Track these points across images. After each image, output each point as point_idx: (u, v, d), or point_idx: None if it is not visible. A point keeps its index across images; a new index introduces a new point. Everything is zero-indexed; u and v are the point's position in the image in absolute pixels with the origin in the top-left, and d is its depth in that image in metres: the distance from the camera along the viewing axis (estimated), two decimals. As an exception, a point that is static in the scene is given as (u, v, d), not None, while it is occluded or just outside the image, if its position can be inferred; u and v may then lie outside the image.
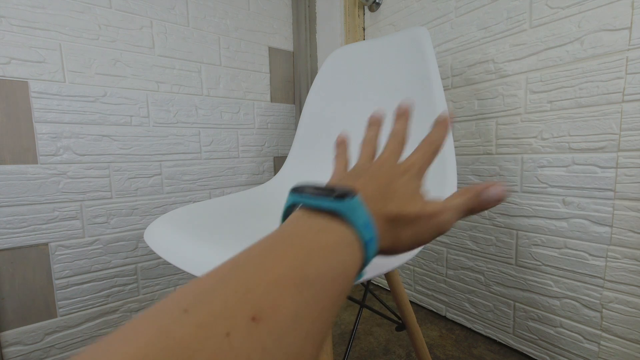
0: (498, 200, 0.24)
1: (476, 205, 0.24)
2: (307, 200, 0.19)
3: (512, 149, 0.73)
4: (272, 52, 1.07)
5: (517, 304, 0.76)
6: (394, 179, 0.23)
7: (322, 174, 0.68)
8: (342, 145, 0.32)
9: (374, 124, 0.32)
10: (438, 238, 0.92)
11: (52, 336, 0.74)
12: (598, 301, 0.63)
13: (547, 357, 0.72)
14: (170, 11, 0.85)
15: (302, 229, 0.17)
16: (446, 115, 0.28)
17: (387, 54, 0.64)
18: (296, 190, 0.20)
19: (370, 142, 0.30)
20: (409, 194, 0.23)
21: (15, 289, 0.70)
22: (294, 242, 0.16)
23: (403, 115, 0.30)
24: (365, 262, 0.19)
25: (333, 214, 0.18)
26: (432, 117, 0.52)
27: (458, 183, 0.85)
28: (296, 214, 0.19)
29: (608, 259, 0.61)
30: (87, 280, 0.78)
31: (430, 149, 0.27)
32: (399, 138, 0.28)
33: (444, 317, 0.93)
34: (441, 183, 0.47)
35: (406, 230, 0.22)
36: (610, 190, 0.60)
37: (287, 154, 1.08)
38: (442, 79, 0.85)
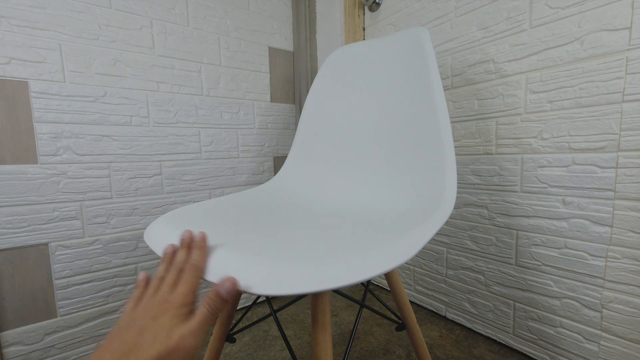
0: (234, 291, 0.28)
1: (221, 305, 0.29)
2: None
3: (512, 149, 0.73)
4: (272, 52, 1.07)
5: (517, 304, 0.76)
6: (149, 325, 0.27)
7: (322, 174, 0.68)
8: (142, 280, 0.34)
9: (164, 260, 0.35)
10: (438, 238, 0.92)
11: (52, 336, 0.74)
12: (598, 301, 0.63)
13: (547, 357, 0.72)
14: (170, 11, 0.85)
15: None
16: (203, 235, 0.35)
17: (387, 54, 0.64)
18: None
19: (158, 275, 0.33)
20: (153, 337, 0.26)
21: (15, 289, 0.70)
22: None
23: (185, 244, 0.35)
24: None
25: None
26: (432, 118, 0.52)
27: (458, 183, 0.85)
28: None
29: (608, 259, 0.61)
30: (87, 280, 0.78)
31: (194, 271, 0.31)
32: (177, 267, 0.32)
33: (444, 317, 0.93)
34: (441, 183, 0.47)
35: None
36: (610, 190, 0.60)
37: (287, 154, 1.08)
38: (442, 79, 0.85)
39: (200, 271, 0.32)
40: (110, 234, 0.80)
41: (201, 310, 0.29)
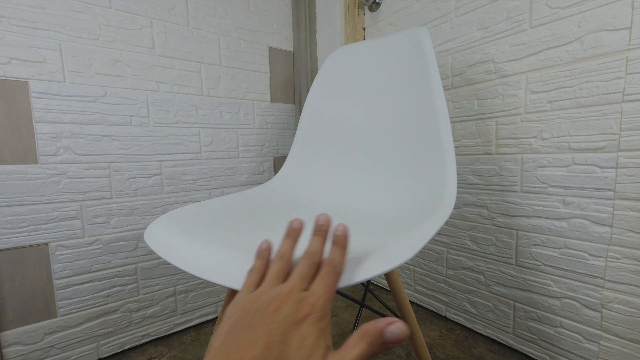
0: (403, 340, 0.21)
1: (380, 349, 0.21)
2: None
3: (512, 149, 0.73)
4: (272, 52, 1.07)
5: (517, 304, 0.76)
6: (291, 331, 0.20)
7: (322, 174, 0.68)
8: (262, 255, 0.28)
9: (290, 235, 0.28)
10: (438, 238, 0.92)
11: (52, 336, 0.74)
12: (598, 301, 0.63)
13: (547, 357, 0.72)
14: (170, 11, 0.85)
15: None
16: (345, 229, 0.27)
17: (387, 54, 0.64)
18: None
19: (282, 258, 0.27)
20: (305, 356, 0.20)
21: (15, 289, 0.70)
22: None
23: (322, 232, 0.27)
24: None
25: None
26: (432, 118, 0.52)
27: (458, 183, 0.85)
28: None
29: (608, 259, 0.61)
30: (87, 280, 0.78)
31: (334, 276, 0.25)
32: (313, 260, 0.26)
33: (444, 317, 0.93)
34: (441, 183, 0.47)
35: None
36: (610, 190, 0.60)
37: (287, 154, 1.08)
38: (442, 79, 0.85)
39: (338, 276, 0.25)
40: (110, 234, 0.80)
41: (359, 345, 0.21)
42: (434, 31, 0.86)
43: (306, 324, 0.21)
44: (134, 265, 0.84)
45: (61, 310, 0.75)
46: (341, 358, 0.20)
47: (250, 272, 0.27)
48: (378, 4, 1.00)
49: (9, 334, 0.70)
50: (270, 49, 1.06)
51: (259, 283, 0.26)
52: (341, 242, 0.27)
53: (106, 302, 0.81)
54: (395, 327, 0.21)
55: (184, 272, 0.81)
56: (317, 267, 0.26)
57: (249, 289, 0.25)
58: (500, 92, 0.74)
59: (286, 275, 0.26)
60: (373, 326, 0.21)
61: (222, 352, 0.20)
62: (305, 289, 0.23)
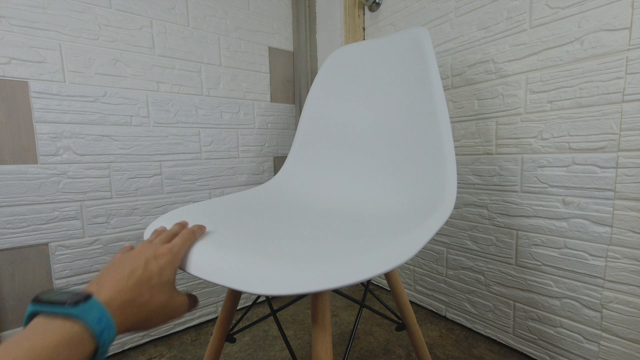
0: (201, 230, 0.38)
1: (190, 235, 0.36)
2: (43, 308, 0.22)
3: (512, 149, 0.73)
4: (272, 52, 1.07)
5: (517, 304, 0.76)
6: (151, 261, 0.30)
7: (322, 174, 0.68)
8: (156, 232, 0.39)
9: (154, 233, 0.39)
10: (438, 238, 0.92)
11: (52, 336, 0.74)
12: (598, 301, 0.63)
13: (547, 357, 0.72)
14: (170, 11, 0.85)
15: (29, 332, 0.20)
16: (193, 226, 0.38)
17: (387, 54, 0.64)
18: (36, 300, 0.23)
19: (155, 232, 0.38)
20: (162, 282, 0.30)
21: (15, 289, 0.70)
22: (19, 341, 0.19)
23: (180, 223, 0.40)
24: (100, 347, 0.23)
25: (69, 316, 0.22)
26: (432, 118, 0.52)
27: (458, 183, 0.85)
28: (34, 320, 0.22)
29: (608, 259, 0.61)
30: (87, 280, 0.78)
31: (189, 234, 0.35)
32: (172, 232, 0.36)
33: (444, 317, 0.94)
34: (441, 183, 0.47)
35: (153, 313, 0.28)
36: (610, 190, 0.60)
37: (287, 154, 1.08)
38: (442, 79, 0.85)
39: (191, 241, 0.35)
40: (110, 234, 0.80)
41: (176, 239, 0.34)
42: (434, 31, 0.86)
43: (163, 258, 0.31)
44: (134, 265, 0.84)
45: (61, 310, 0.75)
46: (183, 299, 0.33)
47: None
48: (378, 4, 1.00)
49: (9, 334, 0.70)
50: (270, 49, 1.06)
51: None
52: (193, 227, 0.38)
53: (106, 302, 0.81)
54: (195, 226, 0.37)
55: (184, 272, 0.81)
56: (174, 237, 0.36)
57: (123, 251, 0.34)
58: (500, 92, 0.74)
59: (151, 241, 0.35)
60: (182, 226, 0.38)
61: (100, 276, 0.28)
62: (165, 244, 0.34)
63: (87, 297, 0.23)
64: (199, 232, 0.37)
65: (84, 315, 0.22)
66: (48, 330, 0.21)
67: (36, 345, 0.19)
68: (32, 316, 0.23)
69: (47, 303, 0.22)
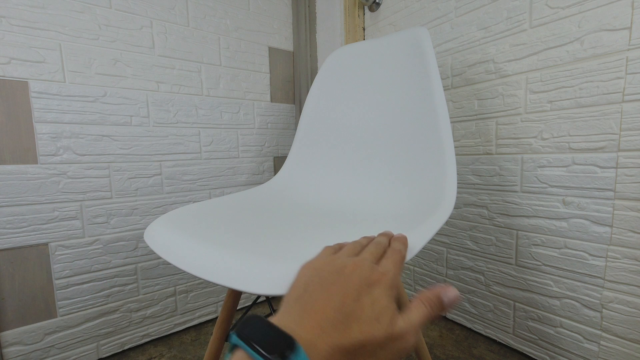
0: (457, 301, 0.25)
1: (439, 311, 0.24)
2: (249, 350, 0.18)
3: (512, 149, 0.73)
4: (272, 52, 1.07)
5: (517, 304, 0.76)
6: (364, 292, 0.22)
7: (322, 174, 0.68)
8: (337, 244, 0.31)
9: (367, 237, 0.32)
10: (438, 238, 0.92)
11: (52, 336, 0.74)
12: (598, 301, 0.63)
13: (547, 357, 0.72)
14: (170, 11, 0.85)
15: None
16: (404, 236, 0.31)
17: (387, 54, 0.64)
18: (241, 333, 0.19)
19: (355, 242, 0.30)
20: (376, 314, 0.21)
21: (15, 289, 0.70)
22: None
23: (386, 234, 0.32)
24: None
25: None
26: (432, 118, 0.52)
27: (458, 183, 0.85)
28: (238, 354, 0.18)
29: (608, 259, 0.61)
30: (87, 280, 0.78)
31: (400, 256, 0.27)
32: (381, 244, 0.29)
33: (444, 317, 0.94)
34: (441, 183, 0.47)
35: (368, 357, 0.20)
36: (610, 190, 0.60)
37: (287, 154, 1.08)
38: (442, 79, 0.85)
39: (403, 259, 0.27)
40: (110, 234, 0.80)
41: (421, 308, 0.24)
42: (434, 31, 0.86)
43: (378, 288, 0.22)
44: (134, 265, 0.84)
45: (61, 310, 0.75)
46: (408, 319, 0.22)
47: (326, 247, 0.29)
48: (378, 4, 1.00)
49: (9, 334, 0.70)
50: (270, 49, 1.06)
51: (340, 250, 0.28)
52: (402, 238, 0.31)
53: (106, 302, 0.81)
54: (450, 291, 0.25)
55: (184, 272, 0.81)
56: (384, 252, 0.28)
57: (325, 256, 0.27)
58: (500, 92, 0.74)
59: (358, 253, 0.28)
60: (432, 292, 0.25)
61: (299, 304, 0.21)
62: (375, 264, 0.25)
63: (291, 345, 0.18)
64: (404, 249, 0.30)
65: None
66: None
67: None
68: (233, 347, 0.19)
69: (250, 343, 0.19)
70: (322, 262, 0.25)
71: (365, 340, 0.20)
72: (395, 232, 0.33)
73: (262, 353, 0.18)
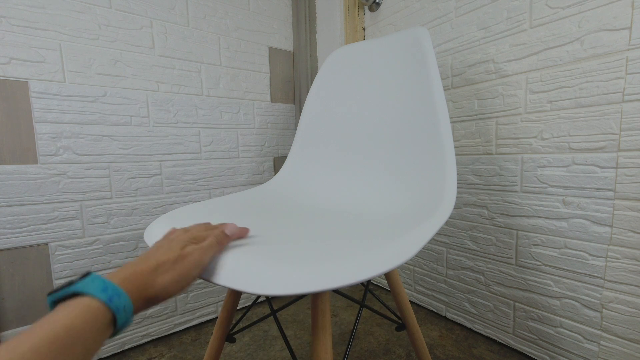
0: (236, 233, 0.36)
1: (223, 242, 0.34)
2: (54, 296, 0.24)
3: (512, 149, 0.73)
4: (272, 52, 1.07)
5: (517, 304, 0.76)
6: (188, 245, 0.31)
7: (322, 174, 0.68)
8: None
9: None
10: (438, 238, 0.92)
11: (52, 336, 0.74)
12: (598, 301, 0.63)
13: (547, 357, 0.72)
14: (170, 11, 0.85)
15: (51, 316, 0.22)
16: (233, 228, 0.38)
17: (387, 53, 0.64)
18: (49, 292, 0.25)
19: (196, 227, 0.37)
20: (166, 247, 0.30)
21: (15, 289, 0.70)
22: (42, 323, 0.21)
23: (217, 225, 0.38)
24: (116, 314, 0.24)
25: (77, 294, 0.23)
26: (432, 118, 0.52)
27: (458, 183, 0.85)
28: (57, 307, 0.23)
29: (608, 259, 0.61)
30: (87, 280, 0.78)
31: (207, 245, 0.33)
32: (207, 229, 0.36)
33: (444, 317, 0.94)
34: (441, 183, 0.47)
35: (166, 275, 0.28)
36: (610, 190, 0.60)
37: (287, 154, 1.08)
38: (442, 79, 0.85)
39: (210, 247, 0.32)
40: (110, 234, 0.80)
41: (209, 239, 0.33)
42: (434, 31, 0.86)
43: (198, 246, 0.31)
44: (134, 265, 0.84)
45: (61, 310, 0.75)
46: (197, 245, 0.32)
47: (192, 226, 0.38)
48: (378, 4, 1.00)
49: (9, 334, 0.70)
50: (270, 49, 1.06)
51: None
52: (220, 233, 0.36)
53: (106, 302, 0.81)
54: (231, 226, 0.36)
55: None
56: (206, 233, 0.35)
57: (176, 231, 0.36)
58: (500, 92, 0.74)
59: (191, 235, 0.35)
60: (219, 228, 0.35)
61: (147, 255, 0.30)
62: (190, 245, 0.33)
63: (86, 274, 0.25)
64: (214, 240, 0.34)
65: (86, 288, 0.23)
66: (60, 310, 0.22)
67: (55, 325, 0.21)
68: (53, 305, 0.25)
69: (56, 290, 0.24)
70: (166, 236, 0.35)
71: (160, 261, 0.28)
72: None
73: (63, 287, 0.24)
